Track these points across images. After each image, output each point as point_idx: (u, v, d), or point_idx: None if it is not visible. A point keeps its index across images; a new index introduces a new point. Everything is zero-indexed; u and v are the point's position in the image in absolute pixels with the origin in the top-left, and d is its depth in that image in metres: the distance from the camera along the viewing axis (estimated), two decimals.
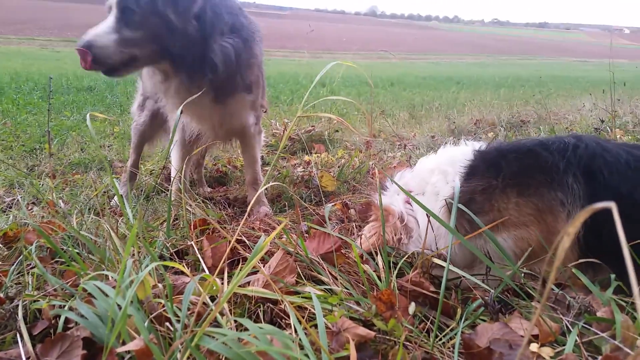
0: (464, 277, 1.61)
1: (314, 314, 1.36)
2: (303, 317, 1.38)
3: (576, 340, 1.32)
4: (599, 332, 1.33)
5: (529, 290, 1.61)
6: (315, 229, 1.97)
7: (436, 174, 1.98)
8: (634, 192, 1.68)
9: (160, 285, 1.49)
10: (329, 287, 1.63)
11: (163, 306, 1.36)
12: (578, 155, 1.76)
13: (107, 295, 1.32)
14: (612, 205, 0.50)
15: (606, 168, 1.73)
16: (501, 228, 1.72)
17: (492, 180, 1.81)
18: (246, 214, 1.53)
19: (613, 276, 1.58)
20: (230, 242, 1.51)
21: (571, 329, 1.38)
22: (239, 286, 1.46)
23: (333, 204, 2.31)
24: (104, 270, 1.63)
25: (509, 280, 1.55)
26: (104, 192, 3.16)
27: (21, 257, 1.78)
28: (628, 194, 1.68)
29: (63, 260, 1.73)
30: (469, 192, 1.82)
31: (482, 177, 1.84)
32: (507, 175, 1.80)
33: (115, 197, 3.19)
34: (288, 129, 2.42)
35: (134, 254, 1.69)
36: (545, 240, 1.67)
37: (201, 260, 1.65)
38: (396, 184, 1.83)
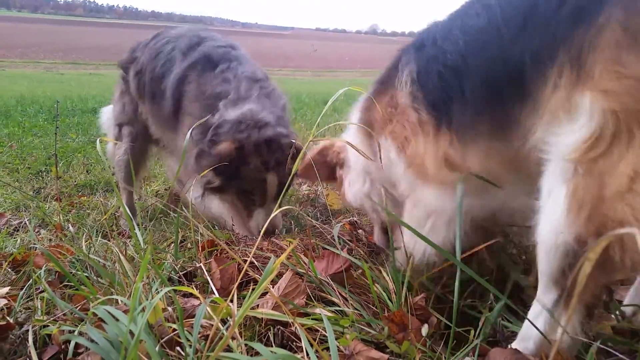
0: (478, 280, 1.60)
1: (325, 336, 1.34)
2: (314, 340, 1.36)
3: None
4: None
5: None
6: (324, 248, 1.97)
7: None
8: None
9: (169, 308, 1.48)
10: (339, 308, 1.62)
11: (173, 330, 1.35)
12: None
13: (117, 320, 1.31)
14: (635, 232, 0.49)
15: None
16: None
17: None
18: (260, 235, 1.53)
19: None
20: (240, 265, 1.50)
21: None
22: (250, 308, 1.45)
23: (342, 223, 2.31)
24: (113, 293, 1.63)
25: (509, 302, 1.52)
26: (111, 214, 3.16)
27: (30, 281, 1.78)
28: None
29: (72, 284, 1.72)
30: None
31: None
32: None
33: (124, 218, 3.20)
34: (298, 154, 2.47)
35: (143, 277, 1.68)
36: None
37: (210, 282, 1.65)
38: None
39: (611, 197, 1.10)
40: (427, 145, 1.60)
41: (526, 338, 1.33)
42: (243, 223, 2.79)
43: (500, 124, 1.38)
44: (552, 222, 1.20)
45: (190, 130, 1.87)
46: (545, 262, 1.25)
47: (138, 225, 2.00)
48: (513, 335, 1.46)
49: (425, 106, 1.61)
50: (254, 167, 2.58)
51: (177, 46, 2.97)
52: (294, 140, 2.60)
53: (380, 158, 1.68)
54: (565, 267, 1.20)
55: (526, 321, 1.34)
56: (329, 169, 2.21)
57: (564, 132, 1.18)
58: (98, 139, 1.80)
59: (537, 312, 1.32)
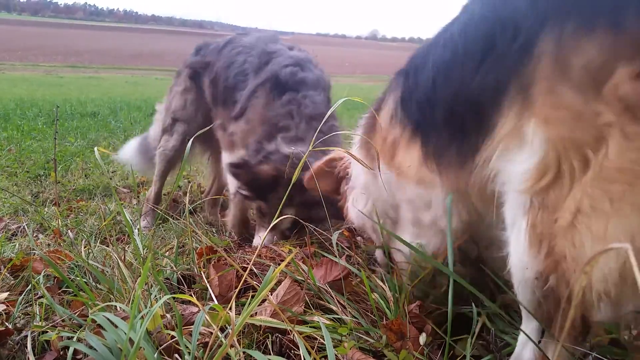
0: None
1: (323, 344, 1.35)
2: (312, 348, 1.36)
3: None
4: None
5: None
6: (323, 255, 1.97)
7: None
8: None
9: (168, 315, 1.49)
10: (337, 316, 1.62)
11: (172, 337, 1.35)
12: None
13: (116, 327, 1.31)
14: (627, 247, 0.50)
15: None
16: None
17: None
18: (261, 243, 1.54)
19: None
20: (239, 272, 1.50)
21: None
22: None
23: (340, 230, 2.31)
24: (112, 300, 1.63)
25: (497, 309, 1.52)
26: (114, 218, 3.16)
27: (29, 286, 1.78)
28: None
29: (71, 290, 1.72)
30: None
31: None
32: None
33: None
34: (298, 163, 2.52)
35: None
36: None
37: (210, 289, 1.65)
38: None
39: (560, 232, 1.09)
40: (412, 154, 1.63)
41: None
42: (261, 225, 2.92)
43: (465, 155, 1.40)
44: (518, 257, 1.20)
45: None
46: (521, 294, 1.25)
47: (153, 226, 2.00)
48: (507, 346, 1.47)
49: (408, 124, 1.65)
50: (279, 198, 2.69)
51: (248, 60, 3.11)
52: None
53: (381, 176, 1.71)
54: (540, 298, 1.20)
55: (518, 344, 1.34)
56: (335, 180, 2.20)
57: (517, 160, 1.19)
58: (96, 148, 1.81)
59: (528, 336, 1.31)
